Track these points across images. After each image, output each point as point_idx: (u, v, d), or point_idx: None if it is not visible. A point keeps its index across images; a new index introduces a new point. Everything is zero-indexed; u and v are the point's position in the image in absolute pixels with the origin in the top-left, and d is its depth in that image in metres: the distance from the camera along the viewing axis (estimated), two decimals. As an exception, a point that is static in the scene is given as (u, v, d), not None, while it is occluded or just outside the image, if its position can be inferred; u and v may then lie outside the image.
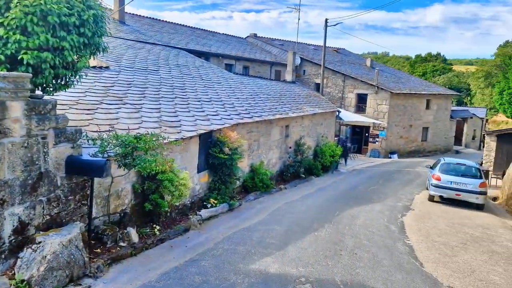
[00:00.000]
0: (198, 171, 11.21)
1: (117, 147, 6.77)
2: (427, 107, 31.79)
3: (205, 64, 21.26)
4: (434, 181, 15.64)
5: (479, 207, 15.30)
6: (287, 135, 17.74)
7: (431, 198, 15.92)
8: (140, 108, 10.81)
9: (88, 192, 6.70)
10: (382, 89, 29.04)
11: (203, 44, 26.44)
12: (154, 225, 8.41)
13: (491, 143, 23.40)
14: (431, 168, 17.69)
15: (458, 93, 42.43)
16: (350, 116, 27.28)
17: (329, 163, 20.54)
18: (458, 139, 35.80)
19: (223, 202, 11.69)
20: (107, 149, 6.74)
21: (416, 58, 77.97)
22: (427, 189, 17.81)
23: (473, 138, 37.98)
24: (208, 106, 13.70)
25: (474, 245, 10.36)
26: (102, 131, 7.28)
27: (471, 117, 36.87)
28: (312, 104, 21.99)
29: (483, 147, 41.64)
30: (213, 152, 11.52)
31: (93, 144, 6.77)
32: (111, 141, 6.75)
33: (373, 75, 31.29)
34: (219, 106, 14.31)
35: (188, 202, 10.75)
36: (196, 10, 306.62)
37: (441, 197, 15.70)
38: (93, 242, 6.88)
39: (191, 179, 10.82)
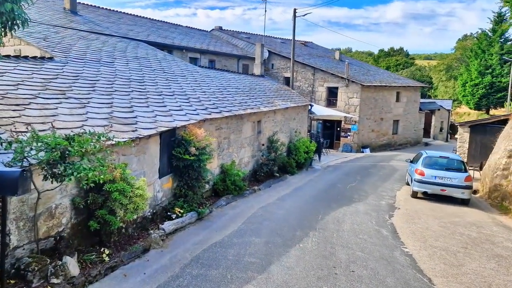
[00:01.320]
0: (160, 176, 9.40)
1: (41, 152, 4.90)
2: (397, 99, 31.01)
3: (168, 57, 19.33)
4: (418, 176, 14.44)
5: (464, 202, 14.25)
6: (260, 131, 16.12)
7: (415, 194, 14.74)
8: (87, 103, 8.88)
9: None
10: (352, 81, 27.92)
11: (165, 37, 24.38)
12: (103, 249, 6.57)
13: (464, 134, 22.61)
14: (412, 162, 16.55)
15: (427, 85, 42.19)
16: (321, 110, 25.97)
17: (303, 160, 19.09)
18: (426, 131, 35.36)
19: (191, 210, 9.93)
20: (27, 155, 4.87)
21: (379, 52, 78.19)
22: (408, 184, 16.71)
23: (441, 130, 37.70)
24: (170, 101, 11.88)
25: (476, 248, 9.09)
26: (20, 132, 5.37)
27: (439, 109, 36.52)
28: (284, 98, 20.47)
29: (450, 138, 41.69)
30: (177, 153, 9.73)
31: (5, 149, 4.87)
32: (31, 144, 4.88)
33: (342, 68, 30.17)
34: (183, 100, 12.51)
35: (149, 214, 8.93)
36: (160, 8, 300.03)
37: (425, 193, 14.54)
38: (12, 282, 5.01)
39: (152, 186, 9.01)
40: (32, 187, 5.06)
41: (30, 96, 8.07)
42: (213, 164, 12.35)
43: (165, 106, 11.09)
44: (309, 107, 22.45)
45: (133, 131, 8.12)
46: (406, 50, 78.47)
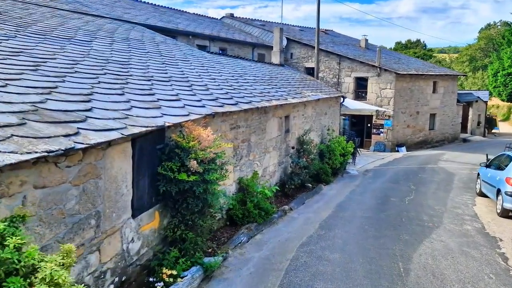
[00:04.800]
0: (136, 213, 5.18)
1: None
2: (434, 90, 26.39)
3: (169, 41, 15.18)
4: (512, 189, 10.05)
5: None
6: (288, 129, 11.87)
7: (506, 213, 10.30)
8: (4, 86, 4.73)
9: None
10: (385, 70, 23.44)
11: (168, 22, 20.24)
12: None
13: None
14: (488, 166, 12.14)
15: (465, 74, 37.40)
16: (351, 104, 21.61)
17: (339, 165, 14.81)
18: (463, 126, 30.62)
19: (193, 264, 5.76)
20: None
21: (396, 45, 72.78)
22: (482, 195, 12.36)
23: (478, 124, 32.88)
24: (163, 88, 7.71)
25: None
26: None
27: (476, 101, 31.72)
28: (312, 88, 16.17)
29: (488, 133, 36.78)
30: (167, 170, 5.52)
31: None
32: None
33: (369, 56, 25.71)
34: (183, 87, 8.33)
35: (112, 286, 4.75)
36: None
37: (521, 211, 10.15)
38: None
39: (117, 233, 4.82)
40: None
41: None
42: (228, 180, 8.20)
43: (152, 95, 6.90)
44: (341, 99, 18.10)
45: (68, 135, 3.92)
46: (424, 41, 73.00)
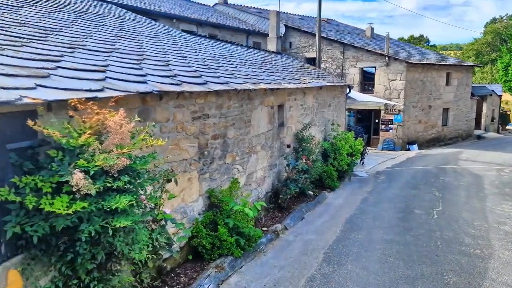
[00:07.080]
0: None
1: None
2: (447, 82, 23.50)
3: (143, 19, 12.41)
4: None
5: None
6: (282, 123, 9.05)
7: None
8: None
9: None
10: (395, 59, 20.55)
11: (148, 3, 17.48)
12: None
13: None
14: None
15: (480, 65, 34.47)
16: (358, 96, 18.78)
17: (346, 167, 12.00)
18: (476, 122, 27.72)
19: None
20: None
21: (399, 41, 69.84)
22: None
23: (492, 119, 29.92)
24: (88, 57, 4.93)
25: None
26: None
27: (491, 95, 28.79)
28: (313, 76, 13.36)
29: (502, 129, 33.88)
30: (25, 192, 2.75)
31: None
32: None
33: (376, 46, 22.83)
34: (125, 59, 5.53)
35: None
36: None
37: None
38: None
39: None
40: None
41: None
42: (190, 194, 5.42)
43: (55, 61, 4.17)
44: (347, 89, 15.26)
45: None
46: (427, 37, 69.79)
